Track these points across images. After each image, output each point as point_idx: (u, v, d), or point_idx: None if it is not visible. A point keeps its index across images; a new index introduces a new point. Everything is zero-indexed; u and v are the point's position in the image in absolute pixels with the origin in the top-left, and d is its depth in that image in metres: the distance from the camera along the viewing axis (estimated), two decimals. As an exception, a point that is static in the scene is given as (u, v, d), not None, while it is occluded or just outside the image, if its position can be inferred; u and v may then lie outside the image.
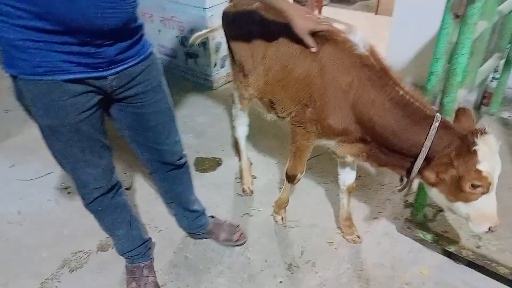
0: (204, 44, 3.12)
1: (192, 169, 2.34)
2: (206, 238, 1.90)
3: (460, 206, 1.32)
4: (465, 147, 1.23)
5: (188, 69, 3.38)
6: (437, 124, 1.27)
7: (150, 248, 1.76)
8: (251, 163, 2.30)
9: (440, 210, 1.83)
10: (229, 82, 3.34)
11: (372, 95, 1.37)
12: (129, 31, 1.19)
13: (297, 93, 1.57)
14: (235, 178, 2.30)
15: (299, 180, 1.82)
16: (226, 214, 2.06)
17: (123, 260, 1.74)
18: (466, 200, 1.30)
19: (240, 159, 2.25)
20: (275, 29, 1.62)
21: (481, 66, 2.25)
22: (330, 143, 1.57)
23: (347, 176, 1.82)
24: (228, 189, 2.23)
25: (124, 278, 1.70)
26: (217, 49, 3.18)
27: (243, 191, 2.19)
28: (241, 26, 1.80)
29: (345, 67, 1.42)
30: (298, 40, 1.48)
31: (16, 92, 1.18)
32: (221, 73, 3.30)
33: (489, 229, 1.31)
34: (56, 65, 1.09)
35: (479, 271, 1.71)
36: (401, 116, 1.33)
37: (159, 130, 1.44)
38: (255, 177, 2.29)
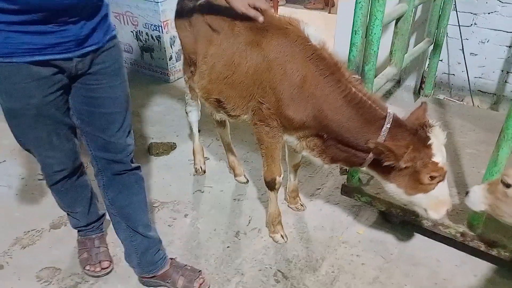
0: (159, 38, 3.21)
1: (145, 154, 2.46)
2: (159, 285, 1.62)
3: (420, 197, 1.40)
4: (421, 142, 1.31)
5: (144, 63, 3.45)
6: (388, 125, 1.34)
7: (103, 222, 1.81)
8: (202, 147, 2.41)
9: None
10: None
11: (326, 90, 1.39)
12: (93, 8, 1.16)
13: (248, 89, 1.55)
14: (188, 160, 2.39)
15: (280, 184, 1.75)
16: (178, 191, 2.15)
17: (76, 236, 1.79)
18: (425, 191, 1.38)
19: (193, 143, 2.34)
20: (216, 24, 1.63)
21: (413, 48, 2.48)
22: (292, 140, 1.59)
23: (294, 157, 1.89)
24: (182, 170, 2.32)
25: (77, 250, 1.76)
26: (172, 43, 3.28)
27: (196, 171, 2.29)
28: (186, 21, 1.82)
29: (298, 59, 1.43)
30: (249, 36, 1.50)
31: None
32: (177, 67, 3.39)
33: (446, 211, 1.42)
34: (18, 46, 1.07)
35: (408, 228, 1.89)
36: (354, 115, 1.37)
37: (111, 119, 1.34)
38: (207, 159, 2.39)
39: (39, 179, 2.20)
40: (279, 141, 1.61)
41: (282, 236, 1.84)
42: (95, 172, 1.46)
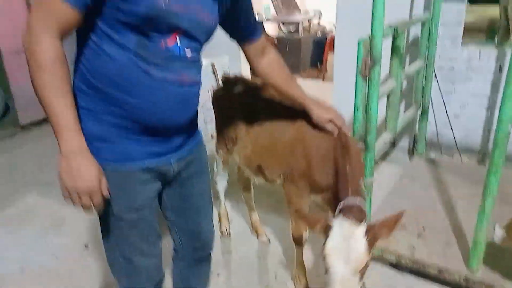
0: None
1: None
2: None
3: None
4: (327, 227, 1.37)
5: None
6: (341, 206, 1.46)
7: None
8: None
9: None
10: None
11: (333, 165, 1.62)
12: (194, 120, 1.30)
13: (285, 157, 1.84)
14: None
15: (305, 240, 1.92)
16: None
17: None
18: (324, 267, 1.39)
19: (219, 208, 2.60)
20: (259, 106, 1.95)
21: (404, 114, 2.86)
22: (317, 199, 1.80)
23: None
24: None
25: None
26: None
27: (222, 234, 2.54)
28: (228, 104, 2.15)
29: (321, 137, 1.65)
30: (284, 115, 1.76)
31: None
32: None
33: None
34: (133, 155, 1.16)
35: (416, 275, 2.12)
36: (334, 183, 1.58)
37: (201, 211, 1.44)
38: (231, 222, 2.65)
39: (85, 248, 2.44)
40: (306, 201, 1.84)
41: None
42: (176, 256, 1.53)
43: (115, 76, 1.06)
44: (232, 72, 2.50)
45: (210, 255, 1.59)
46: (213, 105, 2.34)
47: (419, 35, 2.76)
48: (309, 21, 6.40)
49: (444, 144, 3.25)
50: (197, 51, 1.19)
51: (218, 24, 1.26)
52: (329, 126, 1.58)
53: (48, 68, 0.97)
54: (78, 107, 1.08)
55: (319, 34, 6.39)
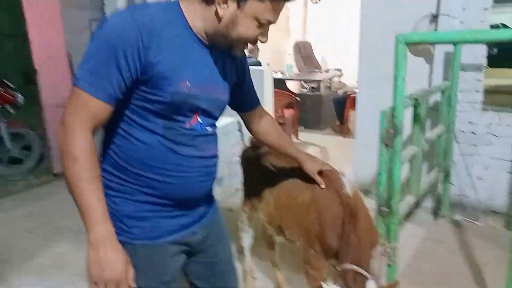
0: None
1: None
2: None
3: None
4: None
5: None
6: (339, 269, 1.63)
7: None
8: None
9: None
10: (223, 199, 3.89)
11: (340, 230, 1.73)
12: (212, 190, 1.40)
13: (301, 218, 1.93)
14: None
15: None
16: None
17: None
18: None
19: (244, 263, 2.65)
20: (281, 166, 2.08)
21: (426, 176, 2.92)
22: (332, 263, 1.87)
23: None
24: None
25: None
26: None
27: (246, 290, 2.58)
28: (255, 164, 2.27)
29: (333, 201, 1.80)
30: (303, 178, 1.86)
31: None
32: (217, 192, 3.86)
33: None
34: (162, 230, 1.21)
35: None
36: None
37: (228, 274, 1.48)
38: (255, 278, 2.68)
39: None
40: (321, 265, 1.89)
41: None
42: None
43: (145, 158, 1.14)
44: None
45: None
46: (241, 164, 2.48)
47: (439, 100, 2.89)
48: (330, 79, 6.66)
49: (469, 206, 3.25)
50: (214, 125, 1.29)
51: None
52: (318, 178, 1.74)
53: (81, 160, 1.03)
54: (109, 190, 1.15)
55: (340, 92, 6.61)
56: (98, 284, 1.06)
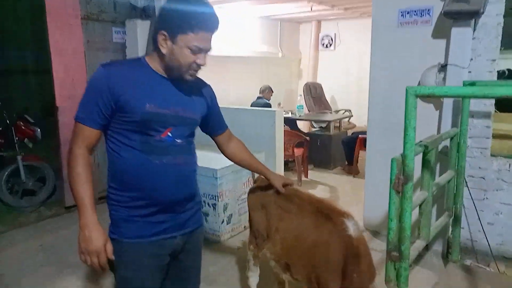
0: (215, 205, 3.80)
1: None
2: None
3: None
4: None
5: (199, 226, 3.98)
6: None
7: None
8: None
9: None
10: (232, 236, 3.91)
11: (344, 269, 1.80)
12: (195, 202, 1.69)
13: (307, 259, 2.00)
14: (246, 322, 2.67)
15: None
16: None
17: None
18: None
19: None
20: (287, 206, 2.16)
21: (436, 221, 2.93)
22: None
23: None
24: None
25: None
26: (225, 209, 3.85)
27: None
28: (259, 203, 2.35)
29: (338, 244, 1.84)
30: (310, 220, 2.02)
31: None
32: (227, 229, 3.89)
33: None
34: (144, 232, 1.55)
35: None
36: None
37: (188, 282, 1.81)
38: (263, 319, 2.66)
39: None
40: None
41: None
42: None
43: (130, 168, 1.52)
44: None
45: None
46: (248, 202, 2.52)
47: (448, 145, 2.95)
48: (339, 120, 6.77)
49: (480, 251, 3.22)
50: (186, 138, 1.60)
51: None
52: (282, 189, 2.07)
53: (77, 170, 1.48)
54: (110, 200, 1.57)
55: (349, 132, 6.71)
56: (84, 254, 1.49)
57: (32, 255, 3.60)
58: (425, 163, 2.43)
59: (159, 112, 1.50)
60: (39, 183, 4.78)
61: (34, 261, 3.48)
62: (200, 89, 1.69)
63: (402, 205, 2.02)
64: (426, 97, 3.08)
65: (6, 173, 4.56)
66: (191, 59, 1.49)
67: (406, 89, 1.85)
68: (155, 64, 1.55)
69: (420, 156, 2.47)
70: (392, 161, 1.96)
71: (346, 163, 6.10)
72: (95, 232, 1.47)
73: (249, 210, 2.50)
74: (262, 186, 2.40)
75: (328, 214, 2.01)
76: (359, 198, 4.37)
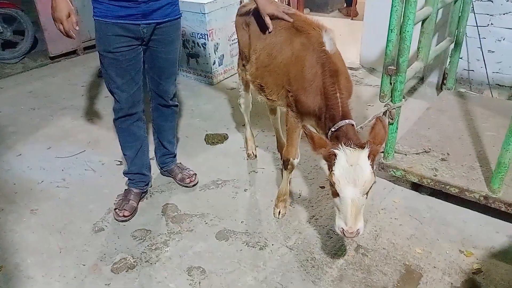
0: (204, 45, 3.62)
1: (203, 143, 2.84)
2: (167, 175, 2.46)
3: (333, 198, 1.56)
4: (332, 153, 1.48)
5: (190, 69, 3.87)
6: (333, 129, 1.61)
7: (145, 182, 2.27)
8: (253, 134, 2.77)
9: (405, 154, 2.32)
10: (226, 78, 3.84)
11: (324, 87, 1.71)
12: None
13: (279, 77, 1.92)
14: (240, 147, 2.76)
15: (293, 167, 2.02)
16: (236, 172, 2.51)
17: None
18: (332, 193, 1.55)
19: (245, 130, 2.69)
20: (263, 24, 2.00)
21: (436, 46, 2.81)
22: (311, 123, 1.87)
23: None
24: (236, 156, 2.69)
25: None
26: (216, 49, 3.68)
27: (248, 156, 2.65)
28: (242, 22, 2.24)
29: (312, 60, 1.74)
30: (286, 36, 1.88)
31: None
32: (219, 70, 3.79)
33: (342, 231, 1.50)
34: (111, 13, 1.79)
35: (437, 197, 2.20)
36: (324, 109, 1.70)
37: (163, 70, 2.07)
38: (257, 146, 2.75)
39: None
40: (299, 125, 1.90)
41: (279, 212, 2.12)
42: (150, 99, 2.22)
43: None
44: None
45: (171, 106, 2.24)
46: (235, 22, 2.40)
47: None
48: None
49: (475, 80, 3.20)
50: None
51: None
52: (267, 19, 1.97)
53: None
54: None
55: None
56: (54, 20, 1.74)
57: (23, 101, 3.56)
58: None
59: None
60: (19, 36, 4.49)
61: (26, 106, 3.46)
62: None
63: (405, 13, 1.85)
64: None
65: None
66: None
67: None
68: None
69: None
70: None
71: (345, 4, 5.69)
72: (61, 3, 1.70)
73: (236, 30, 2.39)
74: (249, 7, 2.23)
75: (301, 27, 1.88)
76: (356, 38, 4.18)
